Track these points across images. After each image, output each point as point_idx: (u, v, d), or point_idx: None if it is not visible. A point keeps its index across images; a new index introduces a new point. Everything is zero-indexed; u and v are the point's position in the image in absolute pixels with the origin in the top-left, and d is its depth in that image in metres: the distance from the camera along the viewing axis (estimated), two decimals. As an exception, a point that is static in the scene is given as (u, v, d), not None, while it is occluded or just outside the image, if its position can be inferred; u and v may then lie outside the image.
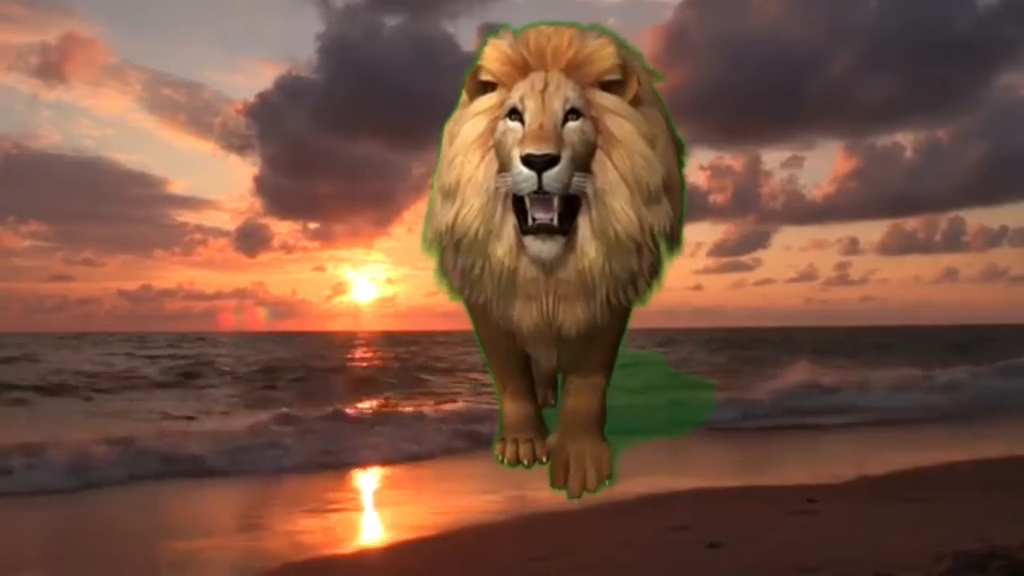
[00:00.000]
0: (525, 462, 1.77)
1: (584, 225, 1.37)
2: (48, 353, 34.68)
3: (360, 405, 13.96)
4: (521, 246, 1.38)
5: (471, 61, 1.48)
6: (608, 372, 1.74)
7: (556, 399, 1.98)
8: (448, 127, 1.50)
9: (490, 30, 1.49)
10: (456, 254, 1.45)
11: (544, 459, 1.77)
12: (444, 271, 1.53)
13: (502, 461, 1.78)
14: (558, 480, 1.65)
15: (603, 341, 1.65)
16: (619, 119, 1.39)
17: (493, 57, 1.41)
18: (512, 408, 1.80)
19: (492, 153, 1.39)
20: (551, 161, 1.30)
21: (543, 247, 1.35)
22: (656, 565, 5.14)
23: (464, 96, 1.49)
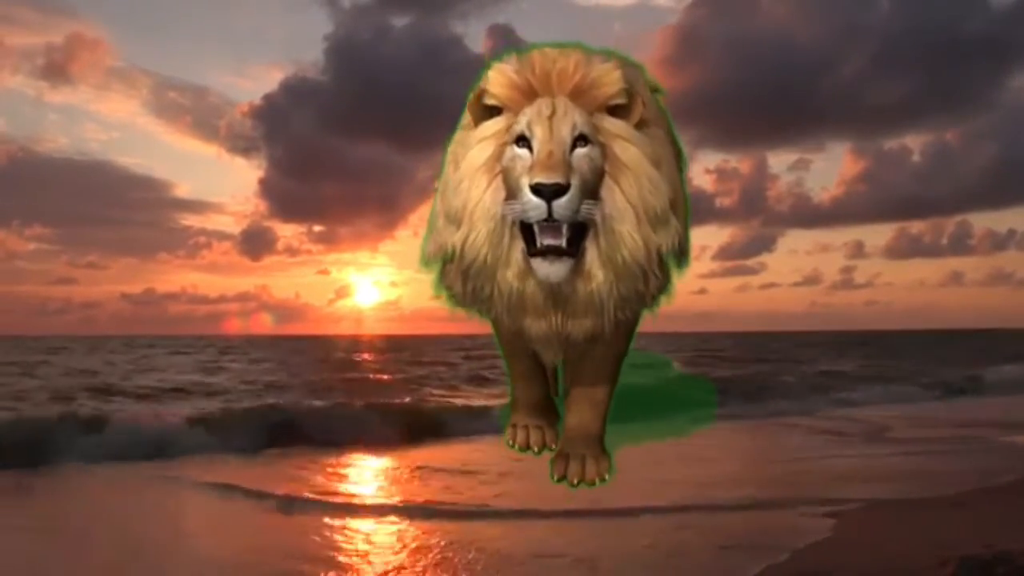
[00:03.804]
0: (535, 448, 1.81)
1: (592, 250, 1.37)
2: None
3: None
4: (529, 269, 1.38)
5: (477, 75, 1.48)
6: (611, 388, 1.74)
7: (556, 392, 1.99)
8: (452, 149, 1.49)
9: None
10: (465, 279, 1.45)
11: (553, 445, 1.80)
12: (445, 283, 1.53)
13: (512, 446, 1.83)
14: (558, 471, 1.70)
15: (607, 353, 1.65)
16: (626, 144, 1.39)
17: (498, 82, 1.41)
18: (523, 390, 1.83)
19: (499, 179, 1.39)
20: (561, 190, 1.30)
21: (551, 268, 1.35)
22: (664, 570, 5.14)
23: (467, 117, 1.48)
